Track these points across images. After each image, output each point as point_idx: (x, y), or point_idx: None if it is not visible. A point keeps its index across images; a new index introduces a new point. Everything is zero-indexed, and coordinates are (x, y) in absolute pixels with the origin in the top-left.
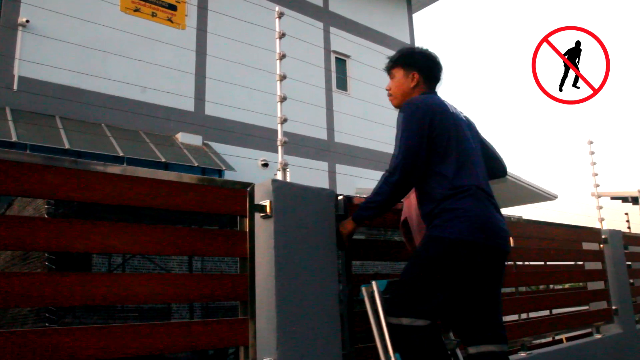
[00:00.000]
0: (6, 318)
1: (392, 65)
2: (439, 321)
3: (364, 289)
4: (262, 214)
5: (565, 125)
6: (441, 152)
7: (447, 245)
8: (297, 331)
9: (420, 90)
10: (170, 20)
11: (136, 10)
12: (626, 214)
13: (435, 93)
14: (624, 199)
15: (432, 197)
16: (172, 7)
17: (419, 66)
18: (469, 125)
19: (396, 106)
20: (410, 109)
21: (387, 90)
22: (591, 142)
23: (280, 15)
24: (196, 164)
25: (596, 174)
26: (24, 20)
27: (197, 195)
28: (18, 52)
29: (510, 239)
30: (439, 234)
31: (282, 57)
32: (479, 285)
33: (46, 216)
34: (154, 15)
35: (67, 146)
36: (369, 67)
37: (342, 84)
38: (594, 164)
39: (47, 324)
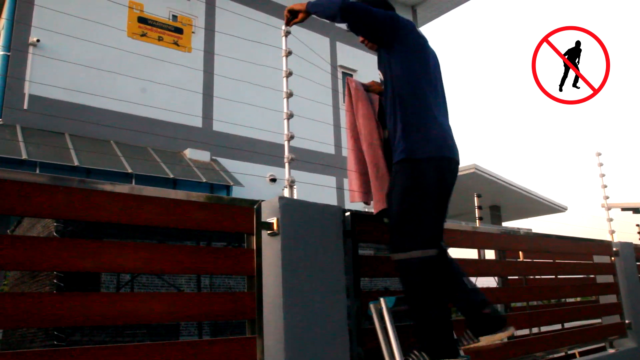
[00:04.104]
0: (15, 336)
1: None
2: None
3: (372, 306)
4: (269, 232)
5: (574, 134)
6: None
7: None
8: (306, 348)
9: None
10: (176, 43)
11: (143, 35)
12: (637, 225)
13: None
14: (636, 210)
15: None
16: (179, 30)
17: (369, 3)
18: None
19: (377, 49)
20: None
21: (362, 42)
22: (599, 154)
23: (287, 33)
24: (204, 180)
25: (605, 186)
26: (35, 40)
27: (204, 213)
28: (28, 71)
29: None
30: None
31: (289, 74)
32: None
33: (55, 234)
34: (160, 39)
35: (76, 163)
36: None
37: None
38: (603, 175)
39: (55, 342)
